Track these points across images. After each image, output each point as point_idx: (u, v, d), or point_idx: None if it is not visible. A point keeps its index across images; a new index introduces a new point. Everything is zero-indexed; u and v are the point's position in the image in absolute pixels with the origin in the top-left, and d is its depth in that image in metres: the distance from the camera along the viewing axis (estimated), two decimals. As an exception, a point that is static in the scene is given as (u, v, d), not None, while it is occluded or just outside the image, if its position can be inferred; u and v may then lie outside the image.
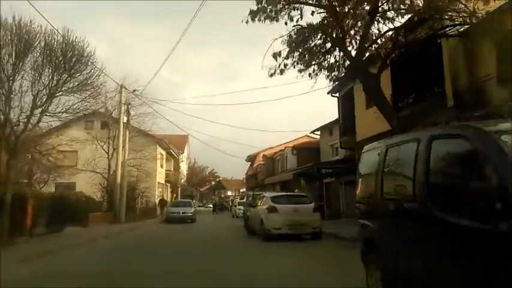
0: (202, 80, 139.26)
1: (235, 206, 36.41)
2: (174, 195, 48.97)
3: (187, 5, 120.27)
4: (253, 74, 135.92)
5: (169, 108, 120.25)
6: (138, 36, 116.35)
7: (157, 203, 30.77)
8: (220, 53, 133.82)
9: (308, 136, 41.46)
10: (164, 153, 40.18)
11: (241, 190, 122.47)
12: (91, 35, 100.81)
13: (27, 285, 6.81)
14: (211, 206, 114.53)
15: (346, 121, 22.09)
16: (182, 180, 55.99)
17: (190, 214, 25.44)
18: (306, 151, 36.21)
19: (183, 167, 58.59)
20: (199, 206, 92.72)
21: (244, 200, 45.00)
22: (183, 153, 57.83)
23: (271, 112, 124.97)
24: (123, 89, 22.36)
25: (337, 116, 23.85)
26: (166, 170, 40.93)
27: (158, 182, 36.41)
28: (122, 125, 21.99)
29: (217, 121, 64.86)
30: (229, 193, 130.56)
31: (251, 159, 60.75)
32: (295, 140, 40.97)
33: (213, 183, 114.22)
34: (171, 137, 54.33)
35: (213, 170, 69.78)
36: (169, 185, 41.38)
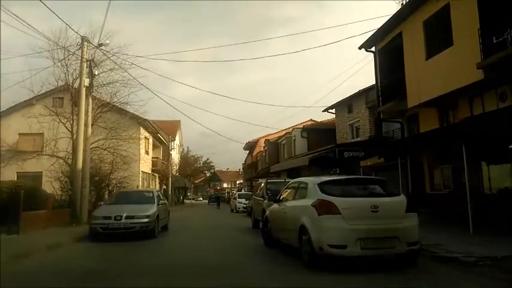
0: (198, 72, 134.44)
1: (235, 198, 30.66)
2: (164, 187, 43.16)
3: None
4: (249, 67, 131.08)
5: (162, 94, 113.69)
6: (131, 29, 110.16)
7: None
8: (215, 45, 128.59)
9: (312, 121, 35.84)
10: (150, 137, 34.28)
11: (237, 182, 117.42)
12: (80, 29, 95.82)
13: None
14: (200, 199, 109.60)
15: (387, 84, 16.35)
16: (173, 171, 50.13)
17: (143, 223, 11.54)
18: (318, 133, 30.55)
19: (175, 156, 52.71)
20: (191, 199, 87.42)
21: (244, 192, 39.45)
22: (174, 139, 51.90)
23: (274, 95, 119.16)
24: (86, 43, 16.39)
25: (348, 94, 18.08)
26: (153, 158, 35.09)
27: (142, 171, 30.58)
28: (83, 89, 16.06)
29: (212, 111, 58.56)
30: (225, 185, 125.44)
31: (250, 146, 54.97)
32: (302, 123, 35.29)
33: (208, 174, 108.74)
34: (161, 123, 48.75)
35: (207, 159, 64.13)
36: (157, 175, 35.57)
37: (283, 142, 34.99)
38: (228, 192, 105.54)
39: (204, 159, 63.07)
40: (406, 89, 14.66)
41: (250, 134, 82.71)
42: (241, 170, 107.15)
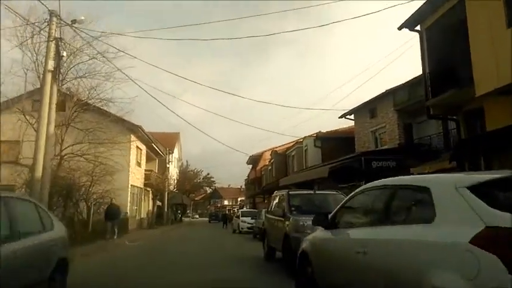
0: (201, 91, 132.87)
1: (238, 217, 26.66)
2: (158, 203, 39.13)
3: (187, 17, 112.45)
4: (251, 86, 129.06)
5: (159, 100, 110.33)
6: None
7: (105, 210, 19.14)
8: (218, 65, 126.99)
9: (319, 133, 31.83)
10: (144, 148, 30.46)
11: (239, 199, 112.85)
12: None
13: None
14: (197, 216, 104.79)
15: (440, 70, 12.63)
16: (171, 186, 46.15)
17: None
18: (333, 142, 26.71)
19: (173, 171, 48.80)
20: (190, 217, 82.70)
21: (247, 209, 35.39)
22: (172, 152, 48.10)
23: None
24: (55, 18, 12.77)
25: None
26: (146, 171, 31.21)
27: (132, 185, 26.65)
28: (47, 75, 12.36)
29: (211, 133, 55.11)
30: (225, 202, 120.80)
31: (253, 160, 51.07)
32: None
33: (209, 190, 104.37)
34: (158, 135, 45.21)
35: (208, 174, 60.01)
36: (150, 190, 31.63)
37: (292, 153, 31.14)
38: (229, 210, 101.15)
39: (204, 173, 59.11)
40: (473, 72, 10.92)
41: (253, 148, 78.09)
42: (243, 186, 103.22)
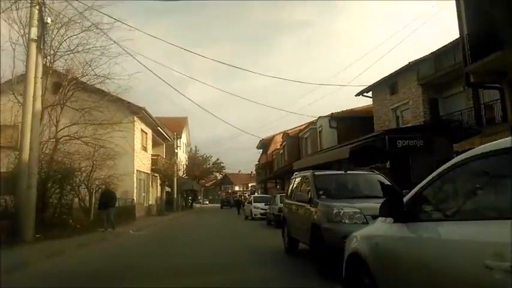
0: (206, 77, 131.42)
1: (250, 203, 25.30)
2: (167, 189, 38.04)
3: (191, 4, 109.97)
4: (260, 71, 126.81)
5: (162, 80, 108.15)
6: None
7: (99, 198, 16.40)
8: (223, 51, 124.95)
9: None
10: (149, 131, 29.13)
11: (250, 185, 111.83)
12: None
13: None
14: (207, 202, 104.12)
15: (482, 31, 10.84)
16: (180, 172, 45.04)
17: None
18: (350, 122, 25.03)
19: (181, 156, 47.61)
20: (201, 203, 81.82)
21: (260, 195, 34.06)
22: (180, 137, 46.83)
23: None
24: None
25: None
26: (153, 156, 29.92)
27: (138, 170, 25.40)
28: (32, 46, 10.91)
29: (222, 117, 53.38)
30: (236, 188, 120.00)
31: (264, 144, 49.59)
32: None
33: (219, 176, 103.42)
34: (166, 120, 44.01)
35: (218, 159, 58.72)
36: (158, 175, 30.41)
37: (305, 136, 29.53)
38: (240, 196, 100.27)
39: (213, 159, 57.89)
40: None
41: (263, 133, 75.55)
42: (253, 172, 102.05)
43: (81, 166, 16.57)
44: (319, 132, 26.57)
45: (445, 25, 21.22)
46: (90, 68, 14.98)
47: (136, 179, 25.17)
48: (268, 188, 52.91)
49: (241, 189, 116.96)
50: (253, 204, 23.83)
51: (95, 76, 15.30)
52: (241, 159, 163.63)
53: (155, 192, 31.29)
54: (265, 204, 22.39)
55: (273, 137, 46.67)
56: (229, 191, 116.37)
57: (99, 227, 14.98)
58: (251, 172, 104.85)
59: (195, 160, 52.87)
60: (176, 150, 39.89)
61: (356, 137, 20.40)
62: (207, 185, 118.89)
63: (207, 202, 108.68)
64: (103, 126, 16.70)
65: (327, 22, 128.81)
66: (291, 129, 33.08)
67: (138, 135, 25.55)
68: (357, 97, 24.43)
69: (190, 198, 58.76)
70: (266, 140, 48.43)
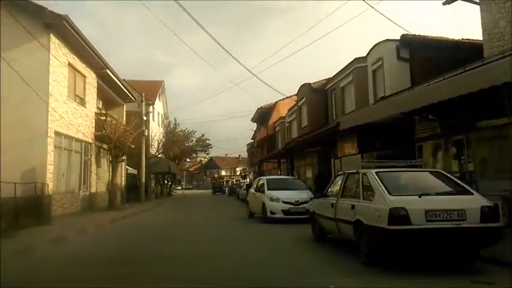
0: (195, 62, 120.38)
1: (259, 191, 14.26)
2: (131, 170, 27.06)
3: None
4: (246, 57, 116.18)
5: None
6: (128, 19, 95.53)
7: None
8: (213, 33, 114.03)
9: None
10: (91, 76, 17.92)
11: (237, 169, 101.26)
12: (77, 17, 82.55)
13: None
14: (190, 187, 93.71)
15: None
16: (152, 149, 33.95)
17: None
18: (433, 51, 14.32)
19: (154, 128, 36.42)
20: (183, 189, 70.33)
21: (277, 176, 22.53)
22: (152, 104, 35.52)
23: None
24: None
25: None
26: (98, 115, 18.72)
27: (59, 133, 14.21)
28: None
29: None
30: (223, 173, 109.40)
31: (262, 116, 38.62)
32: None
33: (204, 159, 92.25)
34: (135, 83, 33.31)
35: (202, 135, 47.06)
36: (108, 147, 18.94)
37: (342, 83, 18.62)
38: (226, 181, 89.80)
39: (198, 135, 46.38)
40: None
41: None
42: (241, 155, 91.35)
43: None
44: (375, 70, 15.75)
45: None
46: None
47: (56, 148, 14.02)
48: (264, 171, 42.21)
49: (228, 174, 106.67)
50: (268, 193, 12.94)
51: None
52: (228, 143, 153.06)
53: (105, 174, 20.10)
54: (295, 194, 11.94)
55: (275, 104, 35.75)
56: (215, 175, 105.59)
57: None
58: (239, 155, 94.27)
59: (174, 136, 41.54)
60: (144, 118, 28.71)
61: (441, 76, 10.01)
62: (191, 169, 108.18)
63: (190, 187, 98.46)
64: None
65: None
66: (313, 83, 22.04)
67: (59, 72, 14.32)
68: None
69: (168, 183, 47.72)
70: (265, 109, 37.48)
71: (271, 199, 12.49)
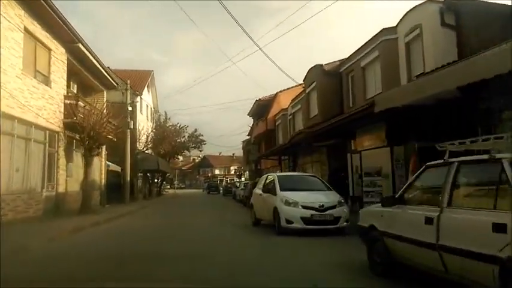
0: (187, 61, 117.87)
1: (269, 191, 11.03)
2: (113, 167, 23.81)
3: None
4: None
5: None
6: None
7: None
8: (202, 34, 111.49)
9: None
10: (59, 50, 14.66)
11: (231, 168, 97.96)
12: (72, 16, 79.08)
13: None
14: (183, 186, 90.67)
15: None
16: (139, 144, 30.80)
17: None
18: (483, 17, 11.37)
19: (142, 121, 33.19)
20: (175, 188, 66.67)
21: (290, 173, 18.17)
22: (140, 95, 32.26)
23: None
24: None
25: None
26: (67, 98, 15.42)
27: (6, 114, 10.92)
28: None
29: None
30: (216, 171, 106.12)
31: (260, 109, 35.49)
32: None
33: (197, 157, 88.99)
34: (122, 72, 30.36)
35: (195, 130, 43.57)
36: (80, 137, 15.47)
37: (364, 62, 15.54)
38: (225, 180, 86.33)
39: (190, 130, 42.98)
40: None
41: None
42: (235, 154, 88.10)
43: None
44: (409, 42, 12.69)
45: None
46: None
47: (3, 135, 10.77)
48: (262, 169, 39.11)
49: (222, 173, 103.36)
50: (282, 195, 9.74)
51: None
52: (221, 142, 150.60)
53: (79, 170, 16.82)
54: (324, 199, 8.76)
55: (276, 95, 32.66)
56: (209, 174, 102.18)
57: None
58: (233, 154, 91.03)
59: (164, 131, 38.22)
60: (130, 108, 25.46)
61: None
62: (183, 168, 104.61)
63: (183, 186, 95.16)
64: None
65: None
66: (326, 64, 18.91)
67: (10, 37, 11.06)
68: None
69: (159, 182, 44.42)
70: (264, 101, 34.36)
71: (287, 203, 9.30)
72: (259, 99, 34.59)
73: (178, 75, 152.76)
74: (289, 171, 25.12)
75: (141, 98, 32.95)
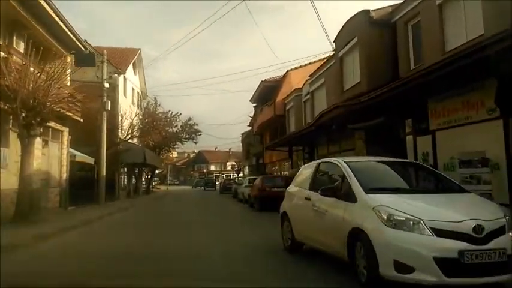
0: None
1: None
2: (78, 156, 18.45)
3: None
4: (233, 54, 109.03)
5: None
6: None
7: None
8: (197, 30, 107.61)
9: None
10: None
11: (228, 164, 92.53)
12: (67, 11, 73.36)
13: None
14: (177, 182, 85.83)
15: None
16: (121, 131, 25.54)
17: None
18: None
19: (126, 105, 27.91)
20: (167, 184, 61.11)
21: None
22: (123, 73, 26.87)
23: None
24: None
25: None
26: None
27: None
28: None
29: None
30: (212, 167, 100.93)
31: (267, 91, 30.15)
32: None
33: (192, 152, 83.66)
34: (108, 49, 24.85)
35: (190, 119, 37.69)
36: (10, 108, 10.17)
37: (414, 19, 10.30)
38: (221, 176, 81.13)
39: (184, 118, 37.37)
40: None
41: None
42: (231, 150, 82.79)
43: None
44: None
45: None
46: None
47: None
48: (265, 164, 33.95)
49: (217, 169, 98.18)
50: (374, 200, 4.48)
51: None
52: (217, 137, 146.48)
53: (16, 157, 11.47)
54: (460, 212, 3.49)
55: (286, 74, 27.37)
56: (204, 170, 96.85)
57: None
58: (229, 149, 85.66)
59: (154, 120, 32.76)
60: (107, 85, 20.14)
61: None
62: (178, 164, 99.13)
63: (177, 182, 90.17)
64: None
65: None
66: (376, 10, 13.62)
67: None
68: None
69: (149, 177, 39.10)
70: (272, 82, 29.04)
71: (393, 221, 4.06)
72: (265, 80, 29.30)
73: (174, 71, 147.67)
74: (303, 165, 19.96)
75: (124, 77, 27.62)
